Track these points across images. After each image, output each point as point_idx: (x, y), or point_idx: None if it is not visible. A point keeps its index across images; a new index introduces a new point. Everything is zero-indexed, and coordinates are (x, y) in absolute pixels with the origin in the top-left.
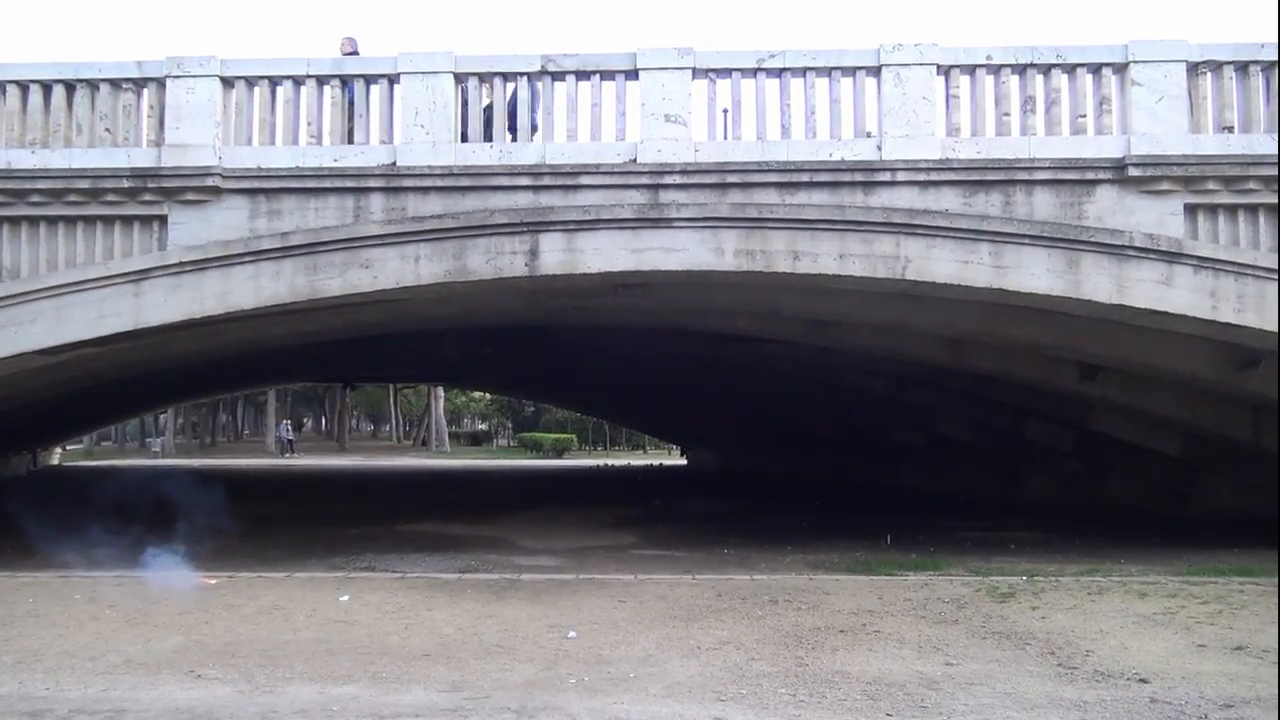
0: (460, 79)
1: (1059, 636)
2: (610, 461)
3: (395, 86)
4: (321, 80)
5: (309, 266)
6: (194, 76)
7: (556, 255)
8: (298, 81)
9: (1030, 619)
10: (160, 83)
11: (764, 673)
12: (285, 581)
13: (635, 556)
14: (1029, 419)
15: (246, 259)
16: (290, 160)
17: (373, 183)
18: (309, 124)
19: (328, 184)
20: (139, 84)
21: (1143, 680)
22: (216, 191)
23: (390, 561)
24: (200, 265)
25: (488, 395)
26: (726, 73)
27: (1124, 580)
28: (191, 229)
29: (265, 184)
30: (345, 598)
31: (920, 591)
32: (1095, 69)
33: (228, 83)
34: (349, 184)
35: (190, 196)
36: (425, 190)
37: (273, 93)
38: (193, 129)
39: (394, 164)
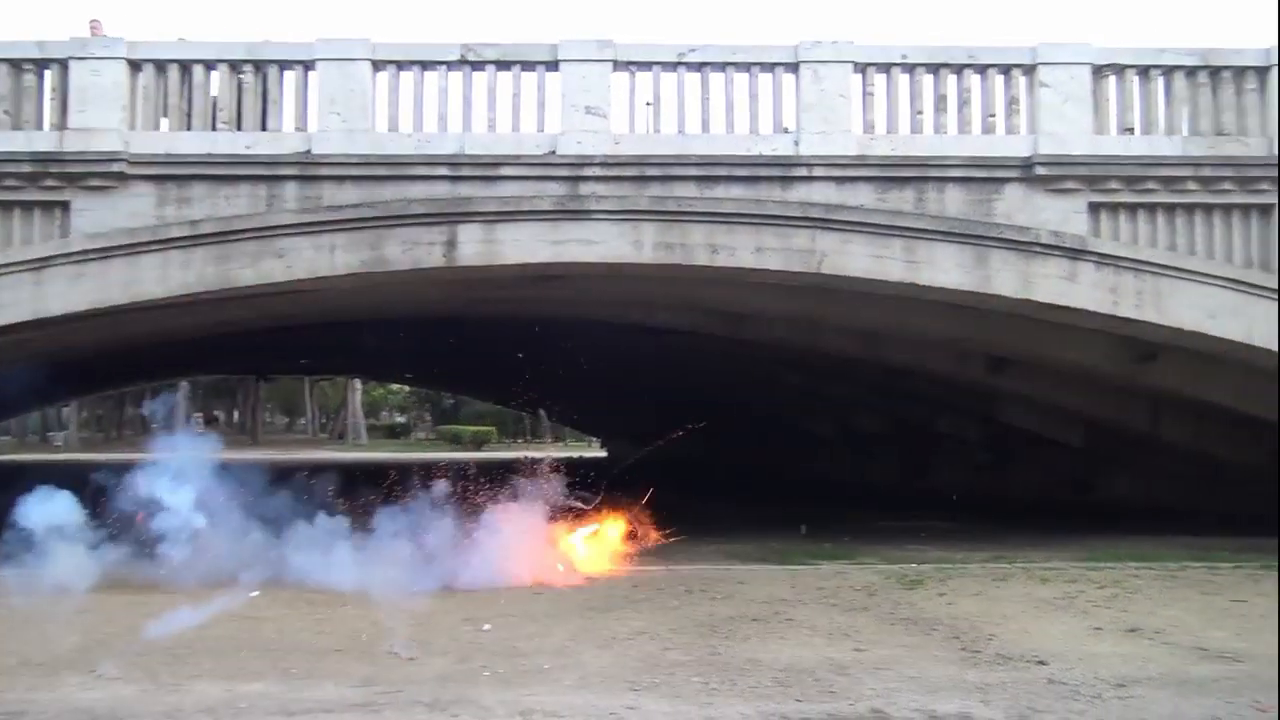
0: (378, 66)
1: (964, 622)
2: (531, 454)
3: (310, 73)
4: (234, 65)
5: (220, 256)
6: (99, 59)
7: (475, 246)
8: (209, 66)
9: (937, 605)
10: (63, 64)
11: (678, 662)
12: None
13: None
14: (940, 411)
15: (154, 247)
16: (201, 147)
17: (287, 171)
18: (221, 110)
19: (240, 171)
20: (40, 65)
21: (1042, 662)
22: (123, 178)
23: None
24: (105, 253)
25: (406, 387)
26: (647, 66)
27: (1027, 567)
28: (96, 216)
29: (175, 171)
30: (255, 594)
31: (833, 580)
32: (1005, 70)
33: (135, 66)
34: (262, 172)
35: (95, 183)
36: (341, 179)
37: (183, 77)
38: (98, 113)
39: (309, 152)
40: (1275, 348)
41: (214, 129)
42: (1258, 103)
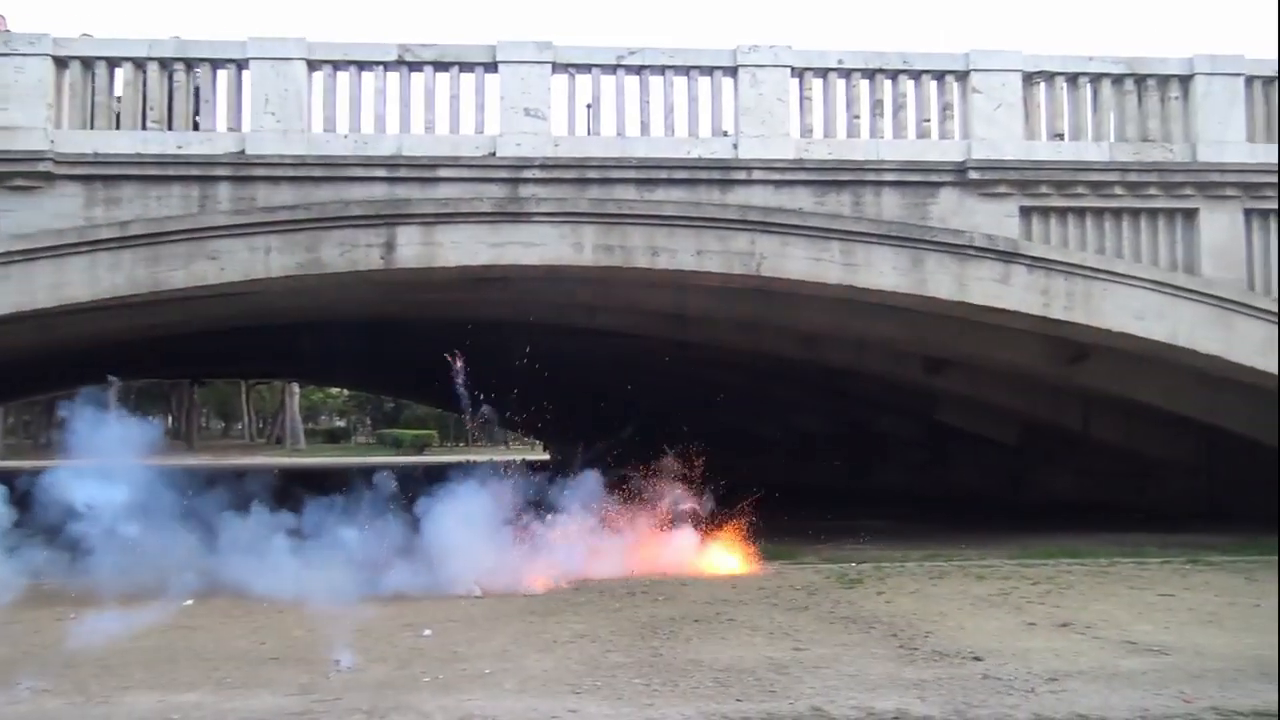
0: (313, 66)
1: (901, 619)
2: (473, 458)
3: (244, 72)
4: (165, 64)
5: (150, 258)
6: (23, 55)
7: (414, 248)
8: (138, 64)
9: (876, 603)
10: None
11: (619, 664)
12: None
13: None
14: (880, 412)
15: (82, 249)
16: (130, 146)
17: (220, 171)
18: (151, 109)
19: (171, 171)
20: None
21: (977, 658)
22: (49, 178)
23: None
24: (30, 255)
25: (346, 391)
26: (587, 68)
27: (963, 564)
28: (21, 217)
29: (103, 170)
30: (189, 602)
31: (773, 580)
32: (939, 76)
33: (61, 63)
34: (194, 172)
35: (19, 182)
36: (276, 180)
37: (111, 75)
38: (22, 111)
39: (243, 152)
40: (1200, 348)
41: (144, 128)
42: (1180, 110)
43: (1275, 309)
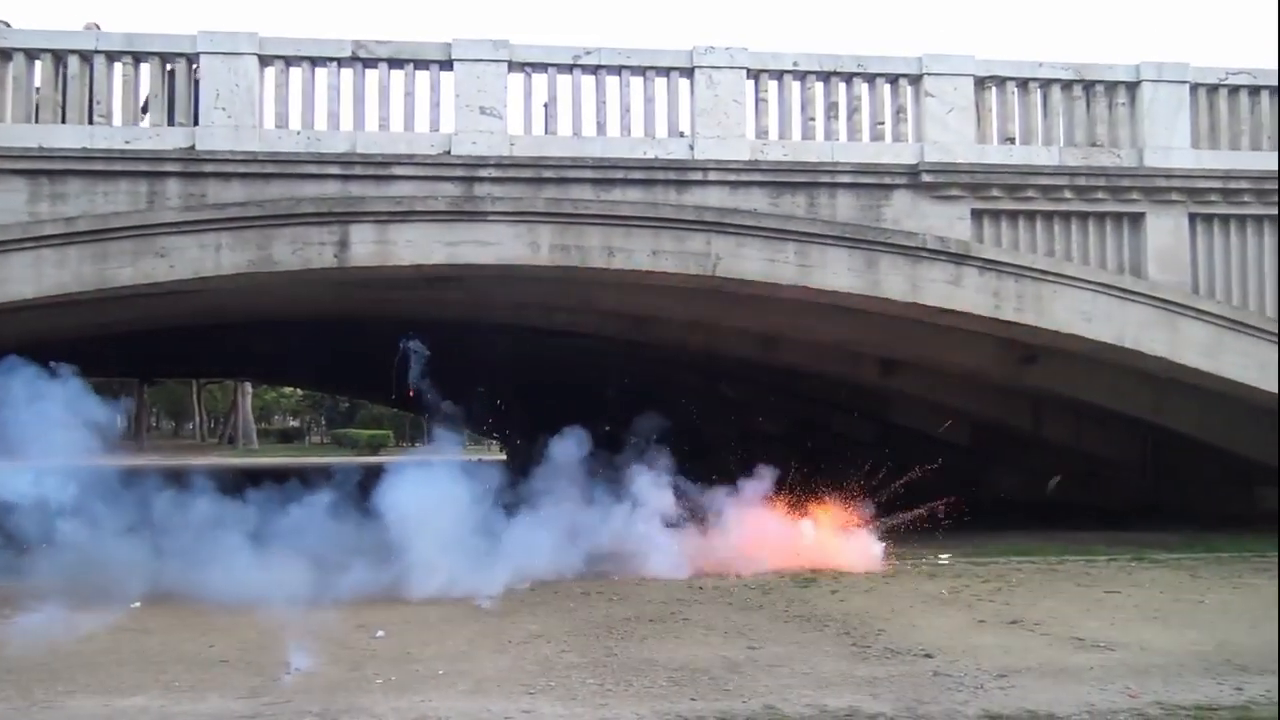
0: (265, 62)
1: (855, 618)
2: (429, 458)
3: (195, 67)
4: (112, 56)
5: (98, 254)
6: None
7: (368, 247)
8: (85, 57)
9: (830, 602)
10: None
11: (573, 664)
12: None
13: None
14: (835, 412)
15: (26, 244)
16: (77, 140)
17: (169, 167)
18: (99, 103)
19: (119, 167)
20: None
21: (928, 655)
22: None
23: None
24: None
25: (299, 391)
26: (543, 68)
27: (915, 563)
28: None
29: (48, 165)
30: (136, 604)
31: (728, 580)
32: (893, 79)
33: (4, 55)
34: (143, 168)
35: None
36: (227, 176)
37: (58, 68)
38: None
39: (193, 148)
40: (1146, 349)
41: (91, 122)
42: (1128, 116)
43: (1218, 313)
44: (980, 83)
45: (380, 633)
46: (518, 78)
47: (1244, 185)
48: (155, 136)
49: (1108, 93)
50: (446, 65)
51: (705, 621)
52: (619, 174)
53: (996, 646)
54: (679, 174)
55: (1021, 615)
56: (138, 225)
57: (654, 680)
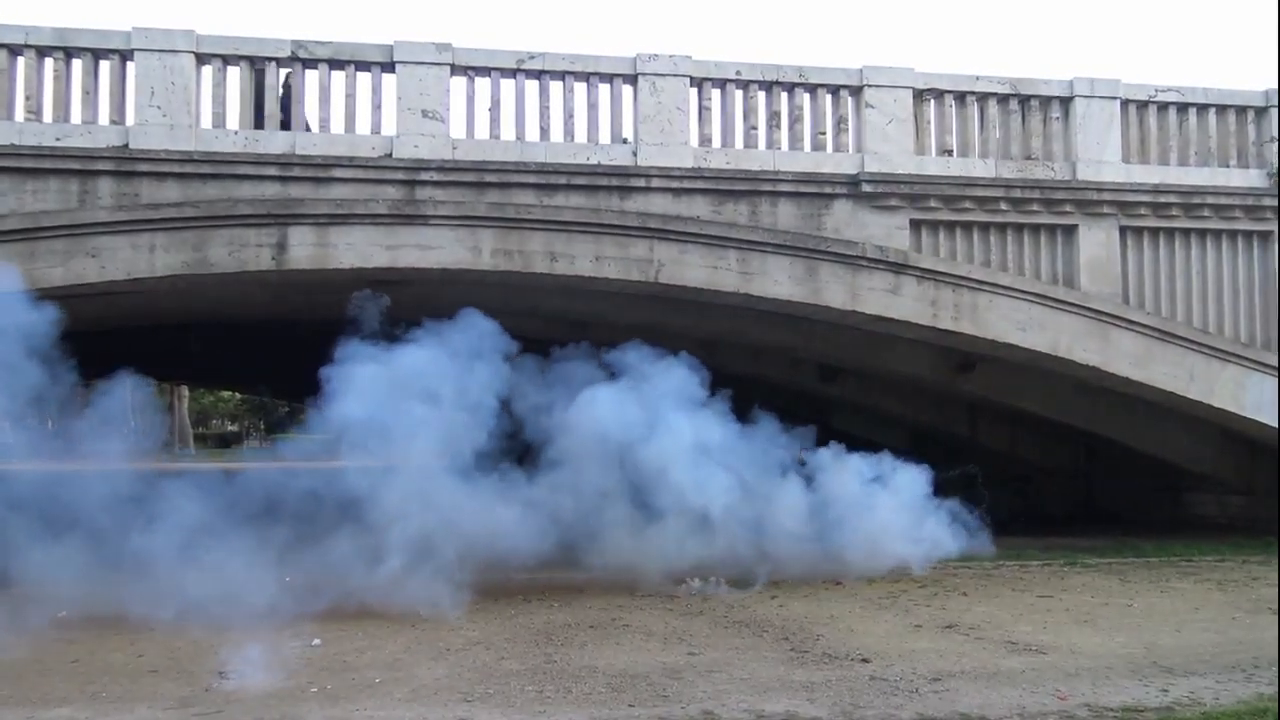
0: (203, 59)
1: (794, 623)
2: (370, 463)
3: (129, 63)
4: (43, 51)
5: (26, 253)
6: None
7: (306, 249)
8: (14, 51)
9: (769, 608)
10: None
11: (512, 671)
12: None
13: None
14: (777, 419)
15: None
16: (4, 137)
17: (101, 165)
18: (28, 98)
19: (48, 164)
20: None
21: (865, 660)
22: None
23: None
24: None
25: (238, 394)
26: (486, 71)
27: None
28: None
29: None
30: (63, 614)
31: (668, 585)
32: (834, 90)
33: None
34: (74, 165)
35: None
36: (162, 176)
37: None
38: None
39: (126, 146)
40: (1078, 359)
41: (18, 118)
42: (1062, 130)
43: (1147, 323)
44: (919, 95)
45: (316, 641)
46: (461, 81)
47: (1172, 199)
48: (87, 134)
49: (1042, 107)
50: (388, 67)
51: (645, 627)
52: (562, 179)
53: (932, 650)
54: (622, 180)
55: (957, 620)
56: (69, 224)
57: (593, 686)
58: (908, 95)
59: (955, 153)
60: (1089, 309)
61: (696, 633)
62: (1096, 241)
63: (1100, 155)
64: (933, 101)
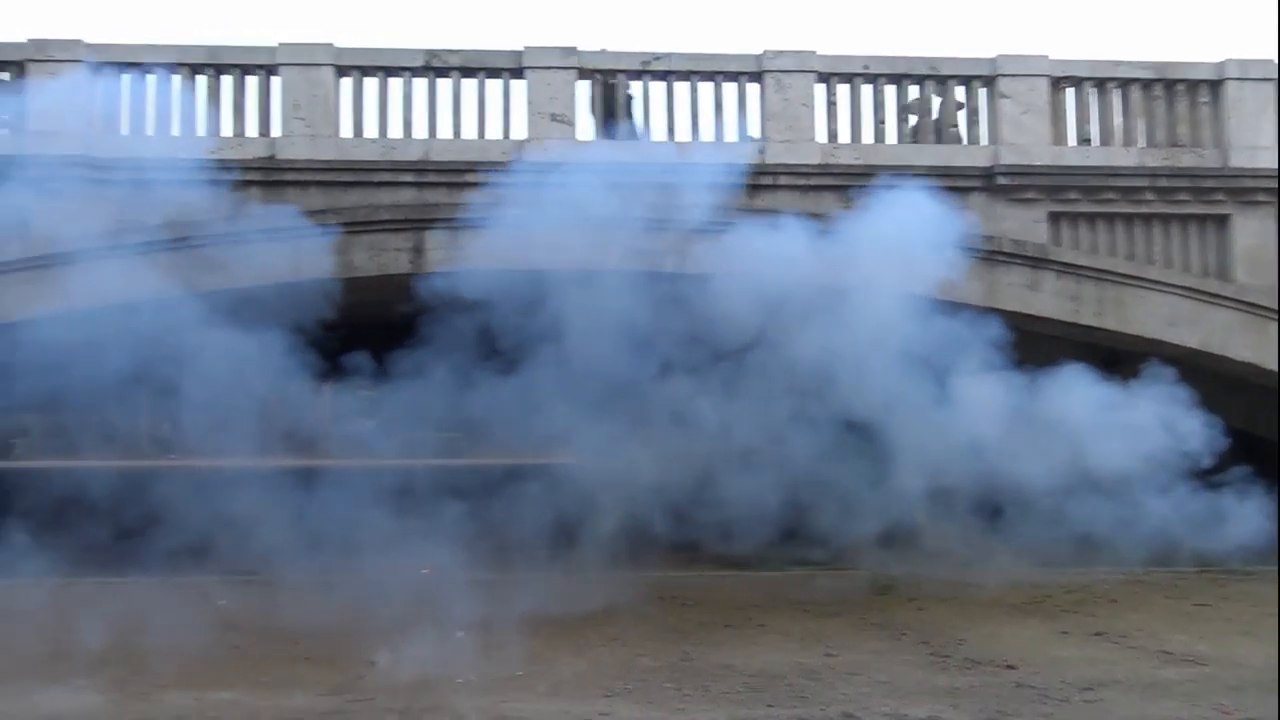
0: (341, 71)
1: (933, 627)
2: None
3: (273, 77)
4: (195, 69)
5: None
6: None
7: (441, 252)
8: (171, 69)
9: (907, 611)
10: None
11: (650, 668)
12: None
13: None
14: None
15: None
16: (164, 149)
17: (251, 176)
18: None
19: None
20: None
21: (1010, 666)
22: None
23: None
24: None
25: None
26: (612, 74)
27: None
28: None
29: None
30: (223, 601)
31: (803, 586)
32: (966, 81)
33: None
34: (226, 176)
35: None
36: (305, 185)
37: (143, 79)
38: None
39: (273, 157)
40: (1233, 355)
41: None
42: (1211, 116)
43: None
44: (1056, 83)
45: (460, 633)
46: (584, 84)
47: None
48: (238, 146)
49: (1190, 91)
50: (517, 73)
51: (781, 628)
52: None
53: (1081, 658)
54: (749, 179)
55: (1106, 627)
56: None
57: (731, 685)
58: (1044, 84)
59: (1096, 142)
60: (1245, 302)
61: (833, 634)
62: (1251, 231)
63: (1254, 141)
64: (1070, 89)
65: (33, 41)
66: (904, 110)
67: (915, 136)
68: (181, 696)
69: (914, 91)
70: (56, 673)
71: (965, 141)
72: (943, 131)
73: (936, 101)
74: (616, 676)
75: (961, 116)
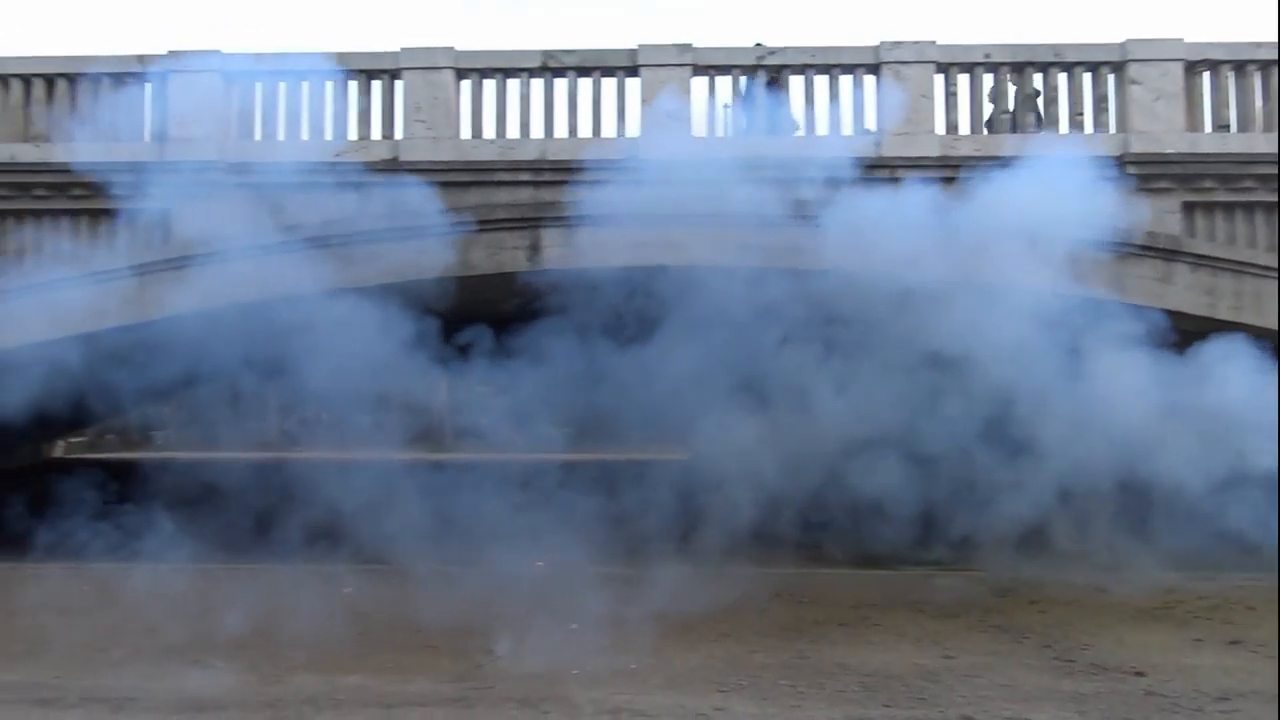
0: (461, 74)
1: (1056, 630)
2: None
3: (396, 81)
4: (323, 75)
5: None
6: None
7: (556, 250)
8: (300, 76)
9: (1029, 613)
10: None
11: (764, 664)
12: None
13: None
14: None
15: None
16: (294, 153)
17: (375, 178)
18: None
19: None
20: None
21: (1139, 673)
22: None
23: None
24: None
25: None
26: (726, 70)
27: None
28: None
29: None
30: (348, 589)
31: (920, 586)
32: (1093, 67)
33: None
34: (353, 178)
35: None
36: (427, 185)
37: (275, 85)
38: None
39: (396, 159)
40: None
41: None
42: None
43: None
44: (1190, 67)
45: (575, 626)
46: (701, 81)
47: None
48: (363, 149)
49: None
50: (632, 71)
51: (897, 628)
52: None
53: (1216, 667)
54: (866, 172)
55: (1244, 635)
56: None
57: (846, 684)
58: (1178, 69)
59: (1234, 128)
60: None
61: (951, 635)
62: None
63: None
64: (1206, 74)
65: (171, 54)
66: (1028, 99)
67: (1040, 126)
68: (311, 679)
69: (1037, 80)
70: (196, 654)
71: (1093, 129)
72: (1069, 120)
73: (1064, 90)
74: (731, 672)
75: (1088, 104)
